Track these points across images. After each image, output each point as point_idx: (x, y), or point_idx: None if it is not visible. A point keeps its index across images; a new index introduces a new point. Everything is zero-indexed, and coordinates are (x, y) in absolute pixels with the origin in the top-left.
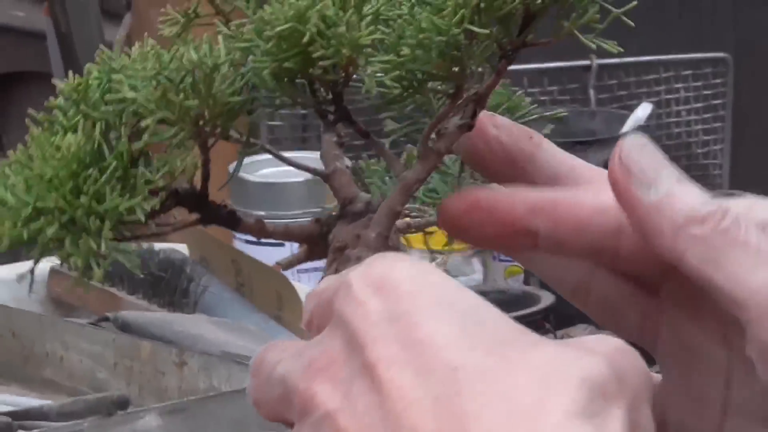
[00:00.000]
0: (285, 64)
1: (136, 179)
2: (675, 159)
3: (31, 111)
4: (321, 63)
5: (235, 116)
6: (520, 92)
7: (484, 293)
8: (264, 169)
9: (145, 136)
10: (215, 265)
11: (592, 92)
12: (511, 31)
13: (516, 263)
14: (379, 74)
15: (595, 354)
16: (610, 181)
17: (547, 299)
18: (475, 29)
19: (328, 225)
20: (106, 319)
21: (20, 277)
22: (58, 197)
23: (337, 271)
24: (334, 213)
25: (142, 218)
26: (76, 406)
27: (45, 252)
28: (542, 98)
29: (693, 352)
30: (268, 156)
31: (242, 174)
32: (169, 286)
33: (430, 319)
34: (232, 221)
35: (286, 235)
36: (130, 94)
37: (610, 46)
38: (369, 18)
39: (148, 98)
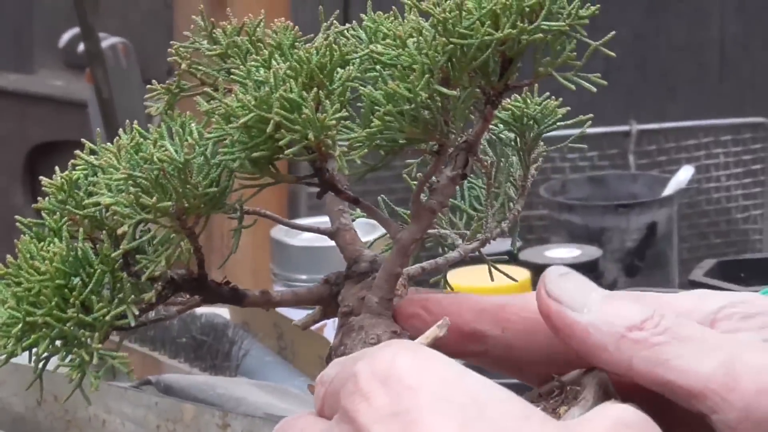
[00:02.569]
0: (254, 154)
1: (122, 283)
2: (714, 224)
3: (18, 217)
4: (289, 150)
5: (217, 204)
6: (547, 96)
7: None
8: (306, 233)
9: (125, 241)
10: (257, 328)
11: (631, 157)
12: (491, 77)
13: None
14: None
15: None
16: (543, 315)
17: None
18: (444, 90)
19: (337, 285)
20: (149, 382)
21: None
22: (46, 313)
23: (341, 341)
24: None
25: (132, 322)
26: None
27: (38, 363)
28: (582, 164)
29: None
30: (310, 220)
31: (283, 238)
32: (210, 350)
33: (430, 415)
34: (235, 298)
35: (295, 301)
36: (106, 200)
37: (594, 78)
38: (338, 91)
39: (123, 203)
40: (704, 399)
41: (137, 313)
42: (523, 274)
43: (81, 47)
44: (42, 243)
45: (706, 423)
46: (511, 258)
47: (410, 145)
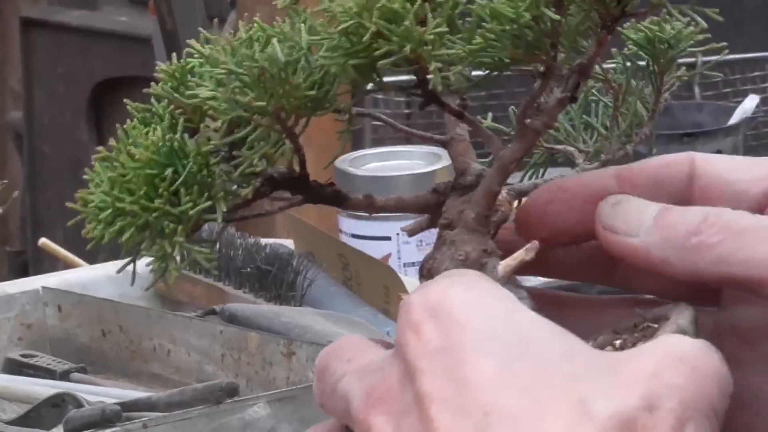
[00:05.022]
0: (351, 61)
1: (214, 178)
2: None
3: (127, 100)
4: (384, 60)
5: (320, 106)
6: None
7: None
8: (370, 163)
9: (217, 136)
10: (322, 259)
11: (697, 89)
12: (608, 2)
13: None
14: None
15: (630, 382)
16: (606, 247)
17: None
18: (549, 13)
19: (445, 194)
20: (213, 312)
21: (120, 270)
22: (134, 201)
23: (433, 255)
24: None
25: (220, 218)
26: (184, 396)
27: (129, 252)
28: None
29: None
30: (375, 150)
31: (348, 168)
32: (275, 280)
33: (475, 353)
34: (337, 199)
35: (399, 207)
36: (205, 93)
37: (710, 12)
38: (448, 4)
39: (219, 98)
40: (764, 287)
41: (225, 210)
42: None
43: None
44: (147, 129)
45: None
46: None
47: (515, 65)
